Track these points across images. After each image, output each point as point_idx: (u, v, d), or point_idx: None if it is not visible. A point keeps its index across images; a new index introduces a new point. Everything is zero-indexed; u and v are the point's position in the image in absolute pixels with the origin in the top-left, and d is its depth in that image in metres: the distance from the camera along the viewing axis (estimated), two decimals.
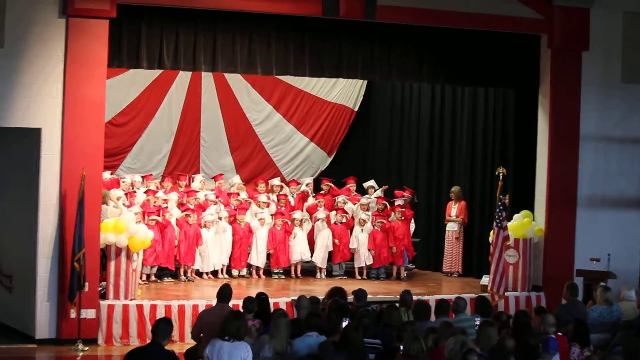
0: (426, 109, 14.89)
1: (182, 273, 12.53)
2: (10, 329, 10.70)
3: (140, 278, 11.76)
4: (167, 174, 14.30)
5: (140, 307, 10.35)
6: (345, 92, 15.85)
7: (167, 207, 12.50)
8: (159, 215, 12.13)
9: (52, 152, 10.14)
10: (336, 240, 13.19)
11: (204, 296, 11.06)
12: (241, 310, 7.81)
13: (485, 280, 11.74)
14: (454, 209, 13.78)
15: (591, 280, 10.84)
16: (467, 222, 13.76)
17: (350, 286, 10.08)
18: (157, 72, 14.09)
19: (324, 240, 13.20)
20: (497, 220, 11.05)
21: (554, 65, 12.21)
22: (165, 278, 12.39)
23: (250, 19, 11.14)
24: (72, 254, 9.86)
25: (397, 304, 8.48)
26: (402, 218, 13.22)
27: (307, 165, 15.98)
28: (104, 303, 10.32)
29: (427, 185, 14.81)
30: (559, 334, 7.44)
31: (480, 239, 13.54)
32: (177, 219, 12.52)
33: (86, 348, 9.98)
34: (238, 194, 13.50)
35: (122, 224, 10.59)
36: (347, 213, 13.48)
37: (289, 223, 13.11)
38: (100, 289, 10.46)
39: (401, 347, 6.70)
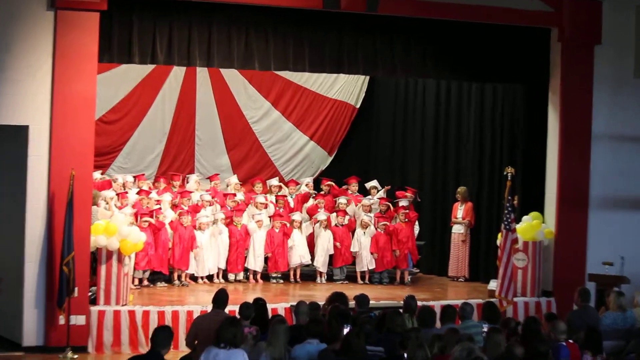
0: (431, 105, 14.90)
1: (176, 277, 12.52)
2: None
3: (132, 283, 11.75)
4: (161, 174, 14.33)
5: (132, 314, 10.34)
6: (346, 88, 15.85)
7: (160, 209, 12.49)
8: (151, 217, 12.12)
9: (40, 151, 10.12)
10: (337, 243, 13.19)
11: (199, 302, 11.05)
12: (238, 316, 7.80)
13: (493, 285, 11.73)
14: (460, 211, 13.77)
15: (604, 285, 10.83)
16: (474, 224, 13.75)
17: (351, 291, 10.07)
18: (149, 68, 14.11)
19: (325, 243, 13.20)
20: (506, 222, 11.04)
21: (564, 60, 12.19)
22: (159, 283, 12.38)
23: (247, 11, 11.12)
24: (61, 257, 9.84)
25: (401, 310, 8.47)
26: (406, 220, 13.21)
27: (306, 164, 15.98)
28: (94, 309, 10.31)
29: (432, 185, 14.81)
30: (570, 341, 7.44)
31: (487, 241, 13.53)
32: (171, 221, 12.51)
33: (75, 356, 9.96)
34: (234, 195, 13.49)
35: (113, 226, 10.58)
36: (348, 214, 13.48)
37: (288, 225, 13.09)
38: (90, 294, 10.44)
39: (405, 355, 6.69)
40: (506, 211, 11.07)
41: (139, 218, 11.94)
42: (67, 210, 9.84)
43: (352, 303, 8.84)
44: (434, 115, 14.85)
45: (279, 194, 13.81)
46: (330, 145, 16.07)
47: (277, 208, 13.45)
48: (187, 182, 13.86)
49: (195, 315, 9.96)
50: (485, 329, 7.71)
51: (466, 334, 7.25)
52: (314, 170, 15.95)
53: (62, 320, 10.00)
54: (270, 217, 13.31)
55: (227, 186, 14.03)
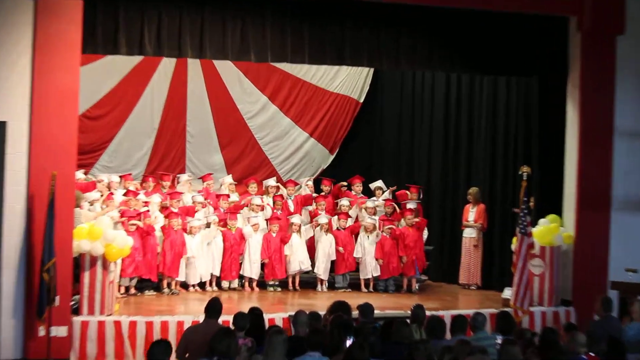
0: (440, 100, 14.90)
1: (165, 285, 12.52)
2: None
3: (118, 291, 11.74)
4: (149, 173, 14.31)
5: (117, 324, 10.31)
6: (349, 81, 15.87)
7: (148, 211, 12.48)
8: (139, 220, 12.11)
9: (18, 149, 10.09)
10: (340, 248, 13.18)
11: (190, 311, 11.05)
12: (232, 327, 7.79)
13: (508, 293, 11.73)
14: (471, 213, 13.76)
15: (627, 293, 10.81)
16: (487, 228, 13.75)
17: (355, 300, 10.07)
18: (137, 59, 14.13)
19: (326, 248, 13.19)
20: (521, 226, 11.02)
21: (584, 51, 12.18)
22: (147, 291, 12.38)
23: None
24: (41, 263, 9.81)
25: (408, 320, 8.46)
26: (413, 223, 13.19)
27: (306, 163, 16.00)
28: (77, 319, 10.28)
29: (442, 186, 14.81)
30: (591, 354, 7.43)
31: (501, 246, 13.54)
32: (163, 225, 12.49)
33: None
34: (228, 196, 13.48)
35: (97, 230, 10.57)
36: (350, 217, 13.47)
37: (289, 231, 13.09)
38: (72, 303, 10.43)
39: None
40: (521, 214, 11.05)
41: (126, 221, 11.92)
42: (47, 213, 9.82)
43: (355, 313, 8.84)
44: (443, 111, 14.85)
45: (276, 194, 13.79)
46: (332, 143, 16.08)
47: (275, 210, 13.43)
48: (178, 183, 13.85)
49: (186, 326, 9.91)
50: (499, 341, 7.73)
51: (478, 346, 7.23)
52: (314, 170, 15.97)
53: (42, 331, 9.97)
54: (267, 220, 13.30)
55: (221, 186, 14.03)
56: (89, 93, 13.90)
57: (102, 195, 12.67)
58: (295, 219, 13.25)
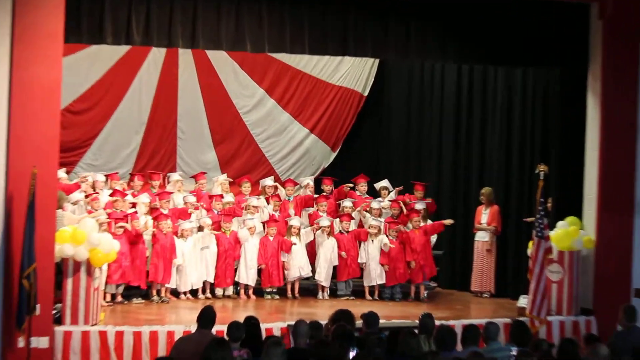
0: (451, 92, 14.90)
1: (154, 293, 12.52)
2: None
3: (104, 299, 11.74)
4: (137, 172, 14.29)
5: (103, 335, 10.31)
6: (352, 73, 15.87)
7: (136, 212, 12.47)
8: (126, 222, 12.10)
9: None
10: (342, 253, 13.17)
11: (182, 321, 11.05)
12: (226, 337, 7.78)
13: (523, 301, 11.74)
14: (484, 215, 13.76)
15: None
16: (501, 231, 13.74)
17: (358, 309, 10.08)
18: (124, 49, 14.11)
19: (328, 253, 13.19)
20: (538, 229, 11.03)
21: (606, 41, 12.17)
22: (134, 299, 12.38)
23: None
24: (20, 269, 9.81)
25: (416, 331, 8.45)
26: (420, 223, 13.19)
27: (306, 162, 16.00)
28: (59, 329, 10.29)
29: (453, 186, 14.82)
30: None
31: (516, 251, 13.54)
32: (153, 232, 12.48)
33: None
34: (222, 197, 13.47)
35: (81, 233, 10.57)
36: (353, 219, 13.46)
37: (288, 234, 13.09)
38: (54, 312, 10.43)
39: None
40: (538, 216, 11.05)
41: (113, 224, 11.92)
42: (27, 215, 9.81)
43: (359, 322, 8.83)
44: (454, 105, 14.85)
45: (273, 195, 13.78)
46: (334, 139, 16.08)
47: (272, 212, 13.43)
48: (168, 182, 13.85)
49: (177, 337, 9.91)
50: (513, 353, 7.72)
51: (491, 358, 7.22)
52: (315, 169, 15.96)
53: (21, 342, 9.96)
54: (264, 222, 13.29)
55: (215, 181, 14.00)
56: (72, 86, 13.88)
57: (86, 196, 12.65)
58: (294, 222, 13.25)
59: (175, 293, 12.75)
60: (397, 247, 13.14)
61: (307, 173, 15.64)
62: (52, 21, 10.24)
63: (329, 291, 13.27)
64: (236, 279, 13.01)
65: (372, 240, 13.21)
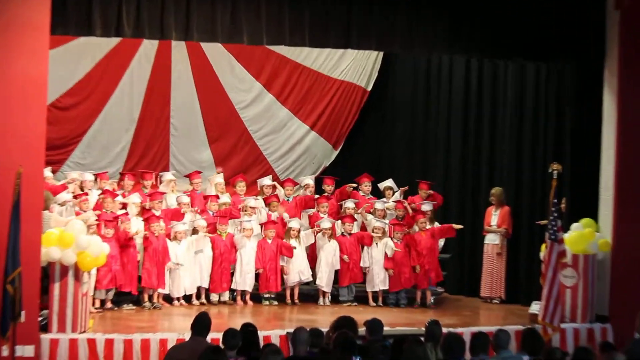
0: (459, 87, 14.90)
1: (146, 298, 12.52)
2: None
3: (93, 305, 11.75)
4: (128, 171, 14.29)
5: (92, 342, 10.31)
6: (355, 66, 15.87)
7: (127, 213, 12.47)
8: (117, 224, 12.11)
9: None
10: (345, 257, 13.17)
11: (175, 328, 11.07)
12: (222, 345, 7.78)
13: (536, 308, 11.73)
14: (494, 217, 13.77)
15: None
16: (512, 233, 13.74)
17: (361, 315, 10.05)
18: (114, 41, 14.11)
19: (329, 256, 13.19)
20: (551, 231, 11.01)
21: (623, 32, 12.19)
22: (125, 305, 12.38)
23: None
24: (4, 274, 9.80)
25: (422, 338, 8.46)
26: (426, 225, 13.19)
27: (306, 160, 16.02)
28: (45, 337, 10.28)
29: (461, 186, 14.82)
30: None
31: (528, 255, 13.53)
32: (144, 235, 12.49)
33: None
34: (217, 197, 13.47)
35: (69, 236, 10.56)
36: (356, 220, 13.46)
37: (287, 237, 13.10)
38: (40, 319, 10.43)
39: None
40: (551, 217, 11.04)
41: (103, 226, 11.92)
42: (12, 216, 9.81)
43: (362, 330, 8.83)
44: (462, 99, 14.84)
45: (272, 195, 13.78)
46: (336, 137, 16.09)
47: (270, 213, 13.45)
48: (161, 182, 13.84)
49: (169, 345, 9.94)
50: None
51: None
52: (315, 168, 15.96)
53: (5, 351, 9.95)
54: (261, 224, 13.29)
55: (210, 179, 14.00)
56: (59, 80, 13.91)
57: (75, 197, 12.65)
58: (294, 224, 13.24)
59: (168, 299, 12.76)
60: (403, 251, 13.15)
61: (308, 172, 15.64)
62: (38, 13, 10.23)
63: (330, 297, 13.27)
64: (232, 285, 12.99)
65: (376, 244, 13.21)
